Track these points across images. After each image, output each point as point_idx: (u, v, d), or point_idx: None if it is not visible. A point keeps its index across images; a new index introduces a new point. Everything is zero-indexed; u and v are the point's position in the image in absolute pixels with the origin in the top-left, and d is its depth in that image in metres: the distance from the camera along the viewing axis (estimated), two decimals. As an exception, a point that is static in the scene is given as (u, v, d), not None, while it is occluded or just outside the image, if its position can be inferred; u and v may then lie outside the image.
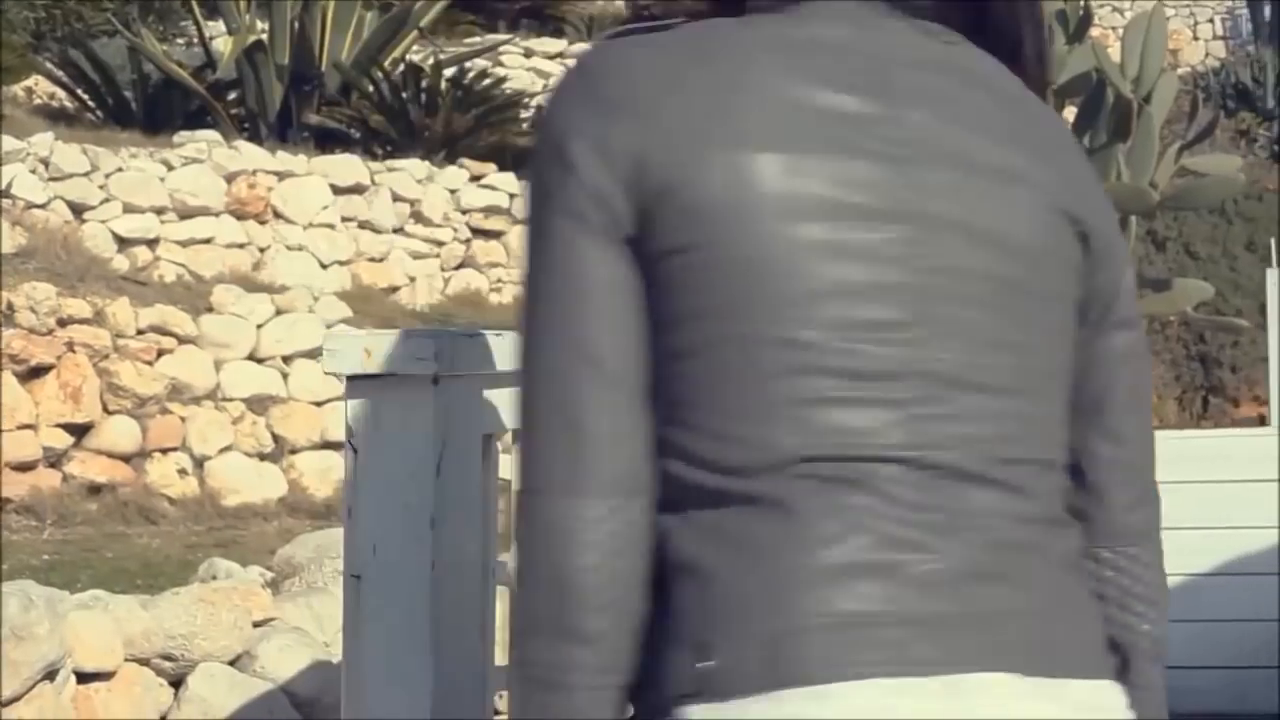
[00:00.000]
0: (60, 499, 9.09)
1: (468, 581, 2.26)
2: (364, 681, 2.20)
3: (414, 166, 11.90)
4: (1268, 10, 18.30)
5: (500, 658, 2.52)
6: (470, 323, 10.18)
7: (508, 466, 2.40)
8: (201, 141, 11.07)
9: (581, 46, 16.96)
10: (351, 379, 2.22)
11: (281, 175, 11.15)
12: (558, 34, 17.65)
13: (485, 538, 2.38)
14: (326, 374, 2.34)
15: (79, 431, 9.26)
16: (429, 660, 2.19)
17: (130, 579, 7.38)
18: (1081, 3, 11.16)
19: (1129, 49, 11.03)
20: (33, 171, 10.48)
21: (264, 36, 12.84)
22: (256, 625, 5.16)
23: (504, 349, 2.45)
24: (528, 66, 16.45)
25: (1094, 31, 18.58)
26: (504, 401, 2.41)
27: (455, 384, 2.22)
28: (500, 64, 15.84)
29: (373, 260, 11.56)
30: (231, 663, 5.06)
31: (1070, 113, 11.26)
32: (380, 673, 2.19)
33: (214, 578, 6.13)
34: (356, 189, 11.51)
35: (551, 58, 16.77)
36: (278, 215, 11.10)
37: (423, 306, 11.56)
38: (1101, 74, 10.77)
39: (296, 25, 12.69)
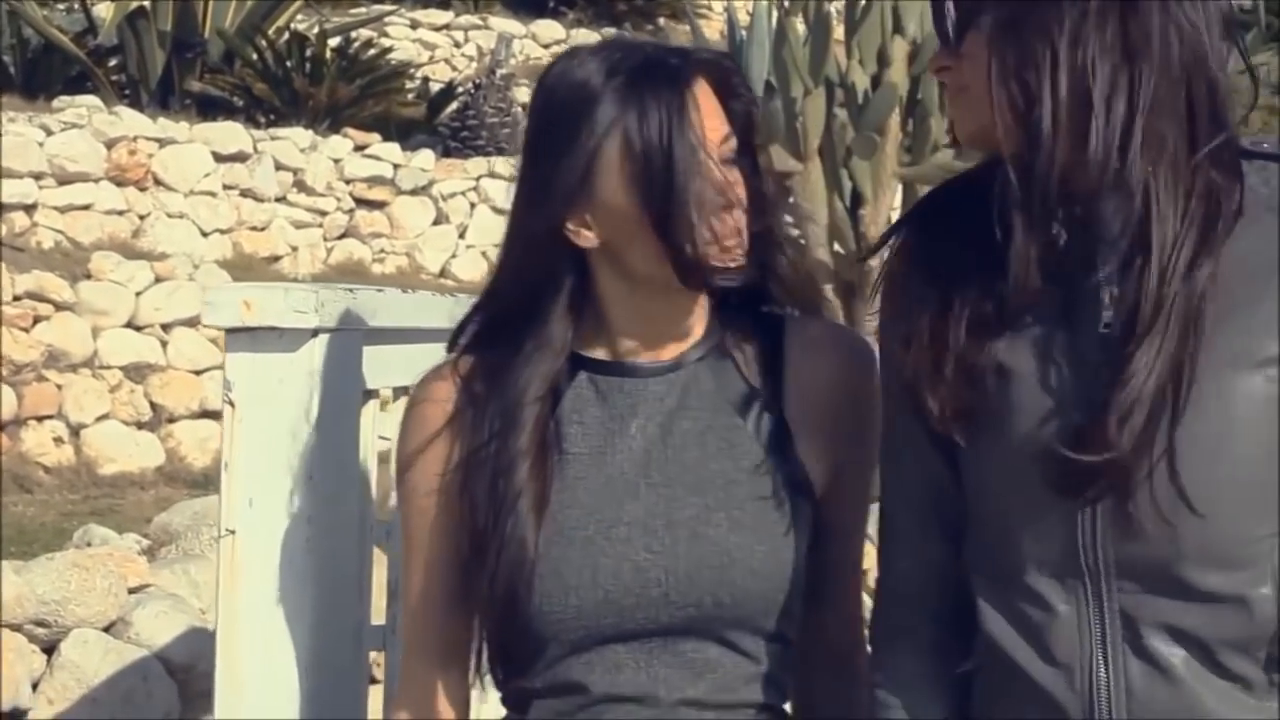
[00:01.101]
0: (-68, 465, 8.95)
1: (344, 538, 2.25)
2: (238, 636, 2.18)
3: (297, 135, 11.79)
4: None
5: (376, 616, 2.51)
6: (353, 293, 10.10)
7: (389, 424, 2.39)
8: (81, 107, 10.92)
9: (468, 19, 16.91)
10: (231, 332, 2.20)
11: (163, 142, 11.00)
12: (444, 6, 17.54)
13: (363, 495, 2.37)
14: (205, 326, 2.32)
15: (-48, 398, 9.11)
16: (305, 616, 2.17)
17: (4, 546, 7.28)
18: None
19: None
20: (-94, 134, 10.30)
21: (146, 3, 12.67)
22: (131, 591, 5.11)
23: (387, 305, 2.44)
24: (414, 38, 16.35)
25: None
26: (386, 358, 2.40)
27: (336, 339, 2.21)
28: (386, 34, 15.73)
29: (254, 229, 11.45)
30: (106, 629, 5.01)
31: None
32: (255, 627, 2.18)
33: (89, 544, 6.06)
34: (239, 157, 11.40)
35: (438, 29, 16.68)
36: (158, 182, 10.96)
37: (304, 276, 11.47)
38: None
39: (179, -9, 12.55)
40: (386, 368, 2.39)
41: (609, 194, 1.82)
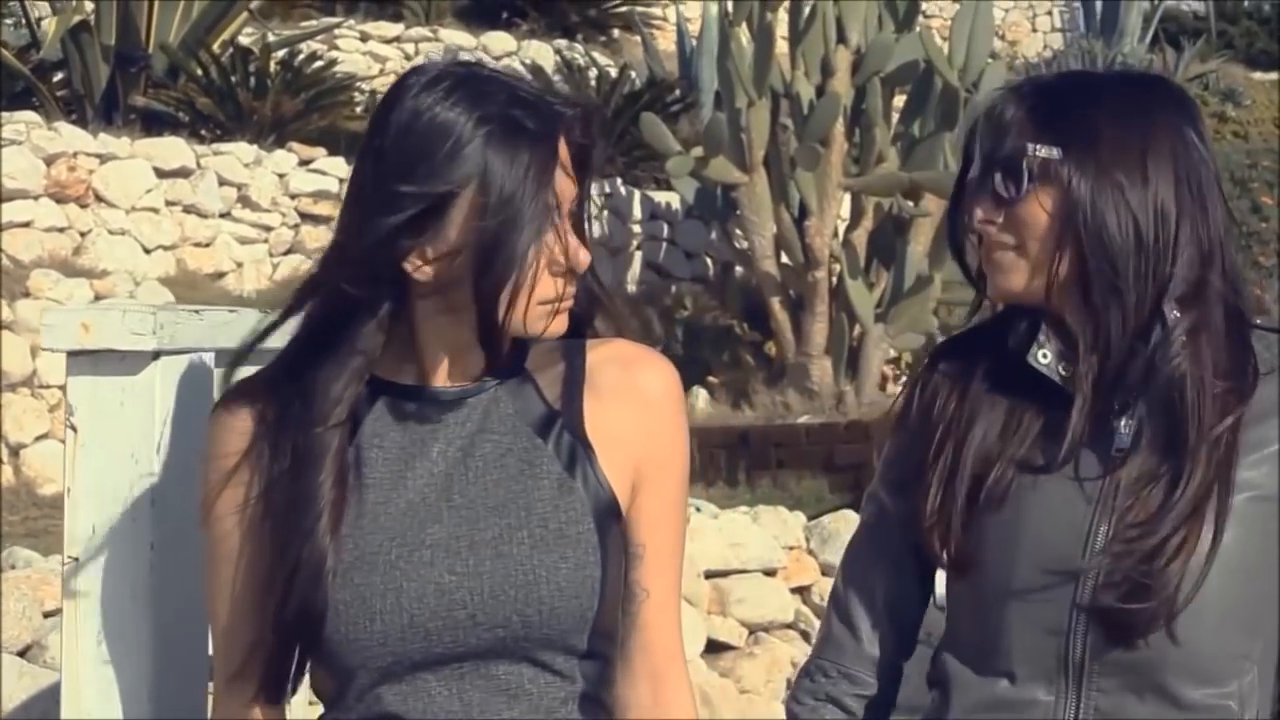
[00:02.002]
0: None
1: (188, 563, 2.21)
2: (83, 663, 2.15)
3: (241, 150, 11.72)
4: (1099, 3, 18.55)
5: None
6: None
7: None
8: (20, 123, 10.83)
9: (418, 31, 16.86)
10: (72, 355, 2.17)
11: (104, 158, 10.93)
12: (395, 18, 17.49)
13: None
14: (44, 350, 2.28)
15: (-112, 418, 9.04)
16: (148, 643, 2.14)
17: (-67, 568, 7.20)
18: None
19: (956, 39, 11.17)
20: None
21: (90, 16, 12.60)
22: (48, 615, 5.06)
23: (239, 326, 2.40)
24: (364, 50, 16.28)
25: (934, 22, 18.74)
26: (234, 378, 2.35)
27: (180, 360, 2.17)
28: (337, 47, 15.66)
29: (198, 245, 11.38)
30: (21, 653, 4.96)
31: (899, 101, 11.40)
32: (100, 654, 2.14)
33: (13, 567, 6.00)
34: (182, 172, 11.32)
35: (388, 41, 16.61)
36: (99, 199, 10.87)
37: (250, 292, 11.41)
38: (929, 63, 10.90)
39: (123, 5, 12.47)
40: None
41: (454, 237, 1.81)
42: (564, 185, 1.83)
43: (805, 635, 7.05)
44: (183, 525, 2.19)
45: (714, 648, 6.72)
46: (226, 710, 1.91)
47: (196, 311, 2.23)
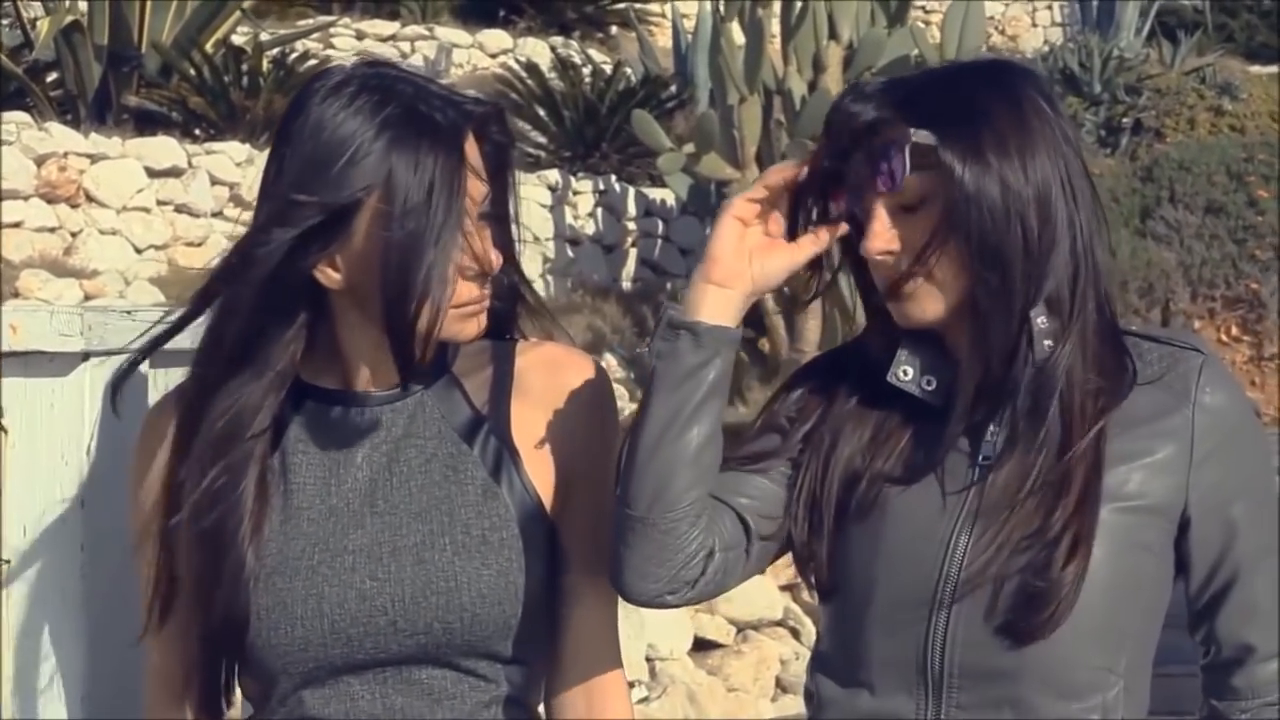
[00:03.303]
0: None
1: (119, 565, 2.20)
2: (16, 663, 2.14)
3: (233, 149, 11.70)
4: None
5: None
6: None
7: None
8: (11, 123, 10.83)
9: (414, 29, 16.85)
10: (4, 356, 2.15)
11: (95, 158, 10.92)
12: (392, 16, 17.49)
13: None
14: (-26, 351, 2.27)
15: (-122, 419, 9.02)
16: (81, 642, 2.14)
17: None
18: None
19: (948, 34, 11.15)
20: None
21: (82, 16, 12.60)
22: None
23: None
24: (359, 49, 16.27)
25: (934, 18, 18.70)
26: (171, 381, 2.34)
27: (110, 362, 2.16)
28: (332, 46, 15.66)
29: (190, 244, 11.36)
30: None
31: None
32: (33, 655, 2.14)
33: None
34: (173, 172, 11.31)
35: (384, 40, 16.61)
36: (90, 198, 10.87)
37: (243, 291, 11.40)
38: (921, 59, 10.88)
39: (115, 5, 12.47)
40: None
41: (361, 246, 1.79)
42: (474, 186, 1.80)
43: (794, 633, 7.04)
44: (113, 527, 2.18)
45: (702, 645, 6.70)
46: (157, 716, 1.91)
47: (128, 313, 2.22)
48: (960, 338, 1.84)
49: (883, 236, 1.81)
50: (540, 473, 1.87)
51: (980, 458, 1.84)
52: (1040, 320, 1.79)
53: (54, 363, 2.12)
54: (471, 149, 1.81)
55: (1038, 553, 1.79)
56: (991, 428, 1.84)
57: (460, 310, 1.80)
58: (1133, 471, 1.83)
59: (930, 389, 1.87)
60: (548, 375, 1.90)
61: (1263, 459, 1.90)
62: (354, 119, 1.77)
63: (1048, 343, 1.80)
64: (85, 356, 2.12)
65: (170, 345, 2.31)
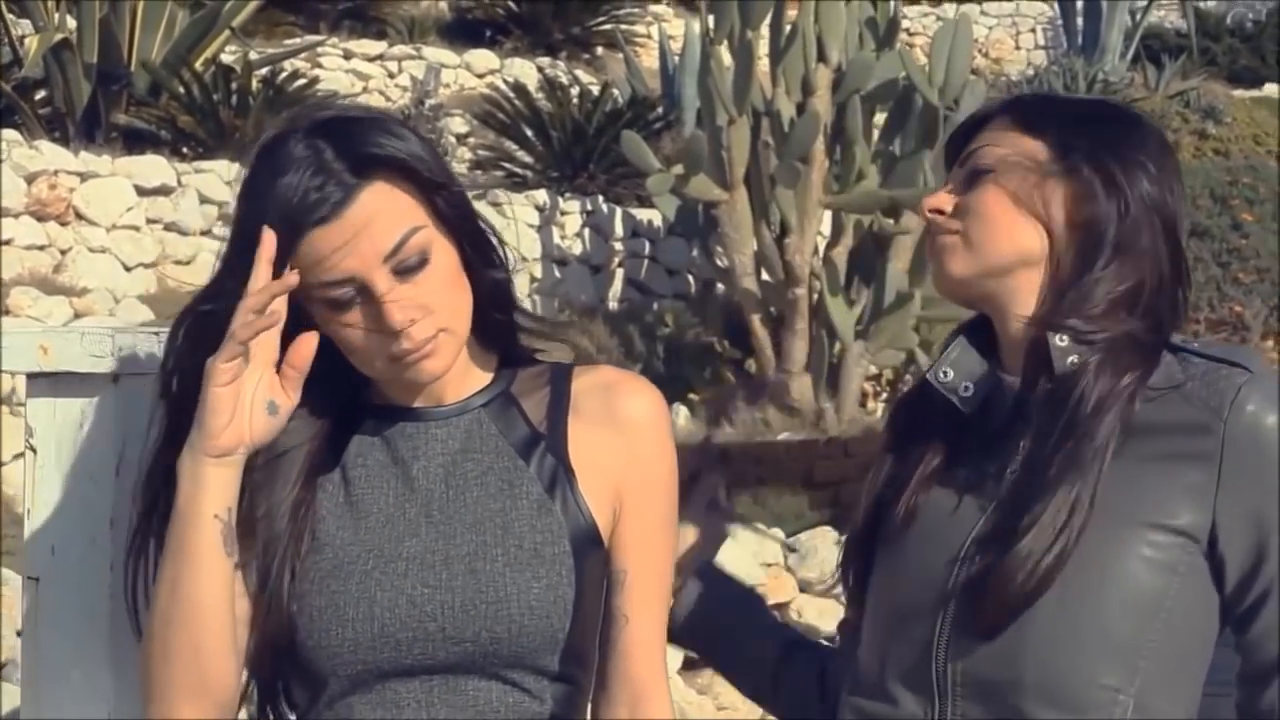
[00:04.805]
0: None
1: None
2: (42, 686, 2.15)
3: (222, 168, 11.71)
4: (1080, 20, 18.60)
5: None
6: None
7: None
8: (0, 141, 10.84)
9: (401, 49, 16.86)
10: (31, 377, 2.17)
11: (84, 176, 10.93)
12: (379, 36, 17.51)
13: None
14: (4, 371, 2.29)
15: None
16: (108, 664, 2.14)
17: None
18: (891, 8, 11.30)
19: (936, 57, 11.18)
20: None
21: (72, 35, 12.60)
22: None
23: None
24: (347, 68, 16.30)
25: (918, 40, 18.72)
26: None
27: (138, 382, 2.18)
28: (320, 65, 15.68)
29: (179, 263, 11.37)
30: (-4, 671, 4.96)
31: (880, 119, 11.42)
32: (58, 676, 2.14)
33: (-8, 586, 6.00)
34: (162, 190, 11.32)
35: (372, 59, 16.63)
36: (80, 217, 10.87)
37: (231, 310, 11.39)
38: (910, 82, 10.92)
39: (105, 24, 12.47)
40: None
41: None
42: (354, 262, 1.82)
43: (784, 653, 7.05)
44: (141, 546, 2.20)
45: (691, 664, 6.72)
46: None
47: (156, 333, 2.24)
48: (1016, 347, 1.88)
49: (938, 198, 1.93)
50: (594, 492, 1.90)
51: (1009, 470, 1.88)
52: (1059, 338, 1.84)
53: (84, 383, 2.13)
54: (382, 192, 1.83)
55: (1011, 528, 1.83)
56: (1022, 443, 1.87)
57: (402, 363, 1.86)
58: (1156, 491, 1.84)
59: (967, 394, 1.90)
60: (603, 397, 1.93)
61: None
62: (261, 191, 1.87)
63: (1072, 359, 1.84)
64: (115, 378, 2.13)
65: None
